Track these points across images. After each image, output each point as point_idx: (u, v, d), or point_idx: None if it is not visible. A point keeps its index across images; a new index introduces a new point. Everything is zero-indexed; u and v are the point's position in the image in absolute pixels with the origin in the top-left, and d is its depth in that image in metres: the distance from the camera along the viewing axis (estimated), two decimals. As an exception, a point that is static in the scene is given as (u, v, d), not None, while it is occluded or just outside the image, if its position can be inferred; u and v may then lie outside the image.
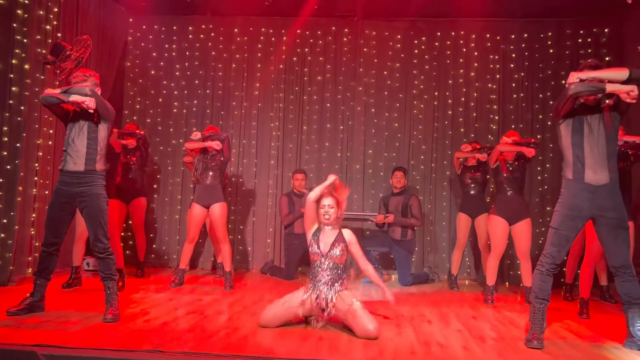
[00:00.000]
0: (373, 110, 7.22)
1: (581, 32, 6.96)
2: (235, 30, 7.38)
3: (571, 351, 3.44)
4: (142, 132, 6.09)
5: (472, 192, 6.07)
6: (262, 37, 7.38)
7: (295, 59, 7.35)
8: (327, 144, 7.24)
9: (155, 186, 7.29)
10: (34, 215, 5.40)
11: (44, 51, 5.54)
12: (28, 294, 3.95)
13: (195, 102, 7.37)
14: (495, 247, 5.26)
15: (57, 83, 5.69)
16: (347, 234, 4.01)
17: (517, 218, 5.18)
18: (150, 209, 7.11)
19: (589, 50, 6.87)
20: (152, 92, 7.42)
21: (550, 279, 3.59)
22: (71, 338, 3.21)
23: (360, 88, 7.24)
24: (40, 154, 5.53)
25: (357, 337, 3.57)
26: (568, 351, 3.44)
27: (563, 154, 3.56)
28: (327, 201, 3.98)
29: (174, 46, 7.43)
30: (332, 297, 3.77)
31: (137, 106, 7.41)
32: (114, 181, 5.57)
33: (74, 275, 5.17)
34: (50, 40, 5.63)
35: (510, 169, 5.26)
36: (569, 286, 5.59)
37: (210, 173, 5.54)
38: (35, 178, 5.45)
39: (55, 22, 5.73)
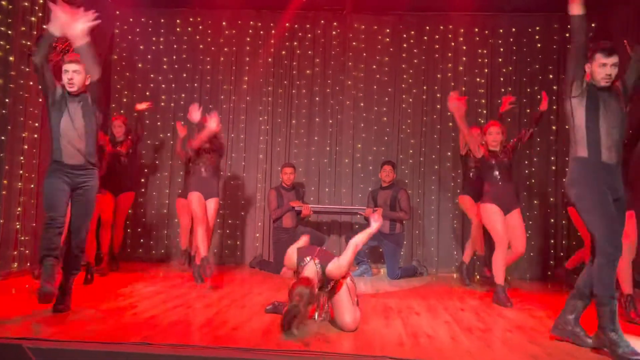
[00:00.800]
0: (362, 104, 7.23)
1: (569, 26, 6.95)
2: (224, 23, 7.34)
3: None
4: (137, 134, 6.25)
5: (474, 176, 5.95)
6: (250, 31, 7.34)
7: (284, 52, 7.33)
8: (316, 138, 7.23)
9: (142, 180, 7.24)
10: (19, 209, 5.34)
11: (29, 43, 5.46)
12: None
13: (183, 95, 7.32)
14: (501, 240, 4.82)
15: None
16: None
17: (509, 208, 4.90)
18: (138, 203, 7.07)
19: (576, 45, 6.91)
20: (139, 85, 7.35)
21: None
22: (57, 331, 3.19)
23: (349, 82, 7.24)
24: (26, 147, 5.46)
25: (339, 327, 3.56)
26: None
27: (573, 132, 3.35)
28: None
29: (162, 39, 7.37)
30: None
31: (124, 100, 7.35)
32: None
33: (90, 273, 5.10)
34: (35, 32, 5.55)
35: (499, 156, 4.99)
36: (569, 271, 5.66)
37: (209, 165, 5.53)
38: (21, 171, 5.38)
39: (40, 14, 5.65)
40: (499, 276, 4.77)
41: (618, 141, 3.28)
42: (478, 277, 6.37)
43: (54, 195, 3.67)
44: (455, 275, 6.71)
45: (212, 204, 5.49)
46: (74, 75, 3.68)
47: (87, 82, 3.73)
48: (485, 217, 4.96)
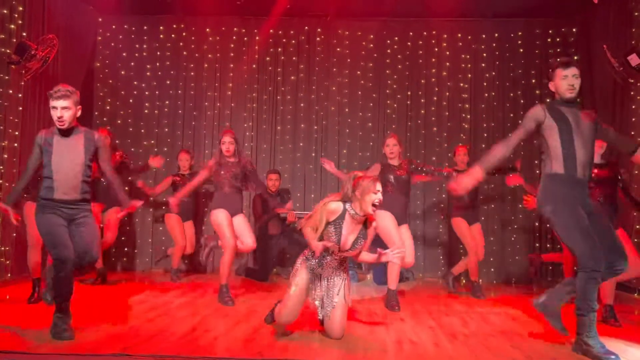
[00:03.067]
0: (347, 110, 7.23)
1: (550, 31, 7.09)
2: (207, 30, 7.31)
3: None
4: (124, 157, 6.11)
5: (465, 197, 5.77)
6: (234, 37, 7.32)
7: (268, 58, 7.32)
8: (301, 144, 7.22)
9: (126, 188, 7.14)
10: (-1, 219, 5.26)
11: (8, 51, 5.40)
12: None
13: (167, 102, 7.28)
14: (472, 247, 5.49)
15: (23, 83, 5.56)
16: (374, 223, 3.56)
17: (473, 221, 5.58)
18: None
19: (558, 50, 7.00)
20: (122, 92, 7.29)
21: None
22: (35, 344, 3.13)
23: (333, 88, 7.24)
24: (6, 156, 5.40)
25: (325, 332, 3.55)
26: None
27: (548, 151, 3.38)
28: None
29: (145, 46, 7.32)
30: (341, 285, 3.56)
31: (107, 107, 7.28)
32: None
33: (37, 288, 4.65)
34: (14, 40, 5.50)
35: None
36: None
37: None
38: (0, 181, 5.31)
39: (20, 21, 5.60)
40: (473, 273, 5.57)
41: (590, 158, 3.37)
42: (464, 281, 6.39)
43: (55, 232, 3.39)
44: (441, 281, 6.72)
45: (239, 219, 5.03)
46: (64, 112, 3.40)
47: (78, 115, 3.52)
48: (458, 229, 5.60)
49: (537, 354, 3.25)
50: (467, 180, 3.38)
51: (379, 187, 3.41)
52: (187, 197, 5.55)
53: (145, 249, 7.11)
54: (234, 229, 4.85)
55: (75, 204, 3.50)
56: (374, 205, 3.38)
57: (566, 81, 3.35)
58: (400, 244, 4.62)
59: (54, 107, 3.41)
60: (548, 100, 3.60)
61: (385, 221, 4.78)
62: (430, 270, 6.98)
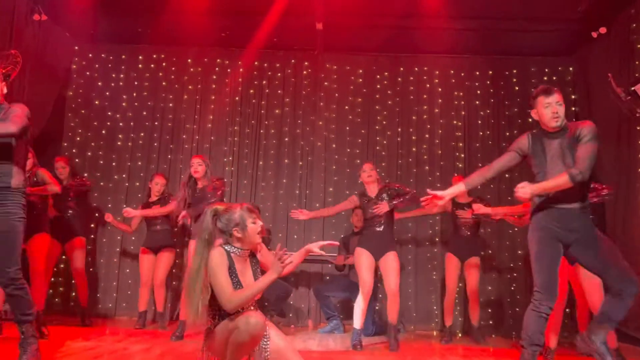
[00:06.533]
0: (334, 145, 6.80)
1: (546, 70, 6.83)
2: (189, 60, 6.96)
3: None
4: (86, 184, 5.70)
5: (465, 232, 5.51)
6: (217, 68, 6.97)
7: (252, 91, 6.94)
8: (284, 181, 6.72)
9: (92, 225, 6.56)
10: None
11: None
12: None
13: (142, 134, 6.81)
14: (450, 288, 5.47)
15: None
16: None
17: (469, 255, 5.42)
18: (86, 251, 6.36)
19: (555, 89, 6.69)
20: (95, 123, 6.82)
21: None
22: None
23: (320, 122, 6.84)
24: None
25: None
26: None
27: (533, 181, 3.25)
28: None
29: (122, 76, 6.92)
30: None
31: (78, 138, 6.79)
32: (46, 213, 5.00)
33: None
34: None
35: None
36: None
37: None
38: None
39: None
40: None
41: (579, 184, 3.11)
42: (460, 335, 5.82)
43: None
44: (435, 333, 6.11)
45: None
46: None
47: (5, 91, 3.19)
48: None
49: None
50: (448, 192, 3.36)
51: (254, 214, 2.82)
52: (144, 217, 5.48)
53: (109, 292, 6.43)
54: None
55: None
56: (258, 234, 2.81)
57: (550, 109, 3.22)
58: (368, 284, 4.74)
59: None
60: (534, 130, 3.29)
61: (359, 260, 4.81)
62: (424, 322, 6.35)
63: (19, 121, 3.11)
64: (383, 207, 4.73)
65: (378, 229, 4.83)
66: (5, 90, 3.22)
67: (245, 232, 2.76)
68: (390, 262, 4.76)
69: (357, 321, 4.73)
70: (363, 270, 4.74)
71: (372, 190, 4.96)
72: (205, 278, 2.66)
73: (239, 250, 2.79)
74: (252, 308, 2.74)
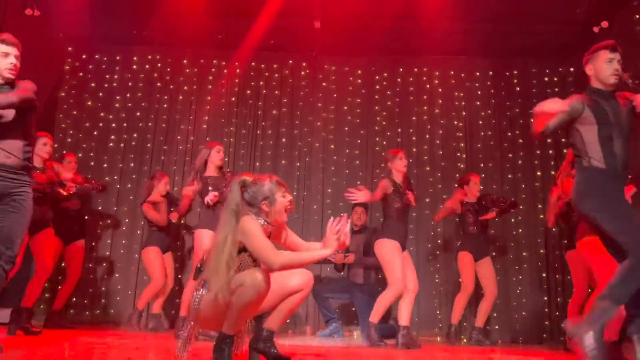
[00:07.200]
0: (332, 146, 6.64)
1: (547, 71, 6.75)
2: (185, 61, 6.84)
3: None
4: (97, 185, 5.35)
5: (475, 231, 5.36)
6: (213, 69, 6.84)
7: (249, 92, 6.80)
8: (281, 182, 6.53)
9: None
10: None
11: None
12: None
13: (135, 135, 6.63)
14: (468, 286, 5.20)
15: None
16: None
17: (482, 255, 5.27)
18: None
19: (556, 89, 6.60)
20: (86, 124, 6.65)
21: None
22: None
23: (318, 123, 6.69)
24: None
25: None
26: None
27: (584, 147, 3.01)
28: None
29: (116, 76, 6.79)
30: None
31: (69, 139, 6.60)
32: (50, 208, 4.67)
33: None
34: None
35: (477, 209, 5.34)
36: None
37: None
38: None
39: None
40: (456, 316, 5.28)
41: (628, 153, 3.00)
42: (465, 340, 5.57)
43: None
44: (439, 339, 5.84)
45: None
46: (17, 61, 3.04)
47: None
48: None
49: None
50: (553, 105, 3.00)
51: (283, 188, 2.67)
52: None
53: (110, 298, 6.16)
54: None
55: (17, 172, 2.96)
56: (286, 210, 2.66)
57: (612, 65, 3.04)
58: (401, 282, 4.50)
59: (7, 54, 3.01)
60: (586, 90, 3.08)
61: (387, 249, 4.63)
62: (427, 327, 6.09)
63: (21, 93, 2.96)
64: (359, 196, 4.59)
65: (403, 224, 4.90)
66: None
67: (273, 206, 2.59)
68: (410, 263, 4.77)
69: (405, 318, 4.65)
70: (397, 265, 4.59)
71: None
72: (233, 250, 2.49)
73: (266, 223, 2.61)
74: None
